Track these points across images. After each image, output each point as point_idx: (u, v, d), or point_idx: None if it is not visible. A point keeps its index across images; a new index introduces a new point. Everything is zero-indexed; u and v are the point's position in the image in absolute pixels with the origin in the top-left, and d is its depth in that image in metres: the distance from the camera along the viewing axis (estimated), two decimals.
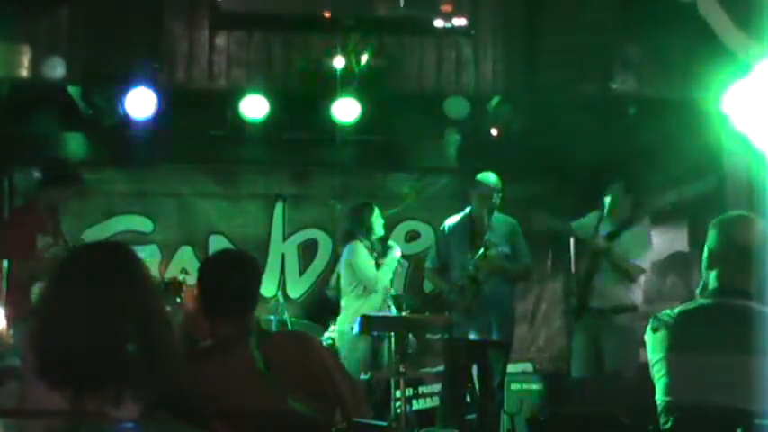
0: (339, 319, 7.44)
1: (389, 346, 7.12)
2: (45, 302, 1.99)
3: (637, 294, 7.18)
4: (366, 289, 7.29)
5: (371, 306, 7.21)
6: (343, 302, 7.42)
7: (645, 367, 3.67)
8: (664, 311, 3.65)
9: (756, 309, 3.30)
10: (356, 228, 7.36)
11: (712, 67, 6.69)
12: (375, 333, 7.13)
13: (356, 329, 6.87)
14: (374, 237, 7.39)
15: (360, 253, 7.30)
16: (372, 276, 7.25)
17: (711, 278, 3.53)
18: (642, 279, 7.28)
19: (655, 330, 3.55)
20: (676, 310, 3.58)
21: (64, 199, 6.60)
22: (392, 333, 7.18)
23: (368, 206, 7.46)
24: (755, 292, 3.37)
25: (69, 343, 1.91)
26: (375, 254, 7.37)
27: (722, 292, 3.44)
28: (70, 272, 2.05)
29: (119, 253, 2.09)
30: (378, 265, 7.32)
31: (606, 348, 7.02)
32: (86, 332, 1.92)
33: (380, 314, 7.10)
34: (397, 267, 7.57)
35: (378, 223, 7.41)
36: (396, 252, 7.47)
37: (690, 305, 3.69)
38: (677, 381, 3.41)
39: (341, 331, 7.30)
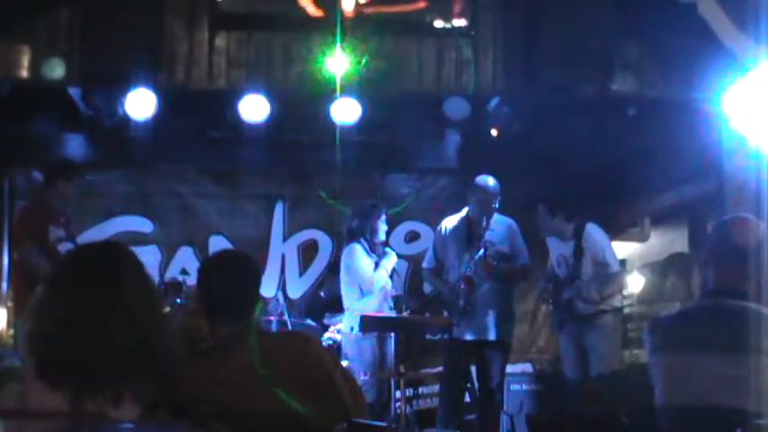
0: (343, 319, 7.45)
1: (395, 347, 7.15)
2: (43, 303, 1.99)
3: (617, 296, 7.24)
4: (362, 290, 7.28)
5: (369, 307, 7.19)
6: (345, 304, 7.42)
7: (644, 368, 3.67)
8: (661, 313, 3.67)
9: (753, 309, 3.31)
10: (362, 227, 7.35)
11: (712, 67, 6.70)
12: (378, 333, 7.14)
13: (356, 329, 6.88)
14: (377, 239, 7.37)
15: (357, 254, 7.30)
16: (369, 277, 7.25)
17: (709, 279, 3.54)
18: (629, 279, 7.37)
19: (652, 332, 3.55)
20: (673, 312, 3.59)
21: (70, 192, 6.74)
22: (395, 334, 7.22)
23: (376, 208, 7.47)
24: (753, 293, 3.38)
25: (67, 343, 1.91)
26: (375, 256, 7.35)
27: (719, 293, 3.45)
28: (67, 272, 2.05)
29: (116, 253, 2.09)
30: (376, 266, 7.31)
31: (590, 350, 7.06)
32: (84, 333, 1.92)
33: (380, 315, 7.10)
34: (393, 271, 7.53)
35: (382, 227, 7.40)
36: (392, 257, 7.45)
37: (686, 306, 3.71)
38: (675, 382, 3.41)
39: (345, 332, 7.30)
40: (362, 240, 7.33)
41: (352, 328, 7.09)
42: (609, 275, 7.12)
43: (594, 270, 7.12)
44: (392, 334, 7.23)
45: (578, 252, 7.11)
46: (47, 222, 6.58)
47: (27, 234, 6.58)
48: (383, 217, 7.42)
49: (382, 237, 7.42)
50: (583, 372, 7.06)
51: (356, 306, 7.25)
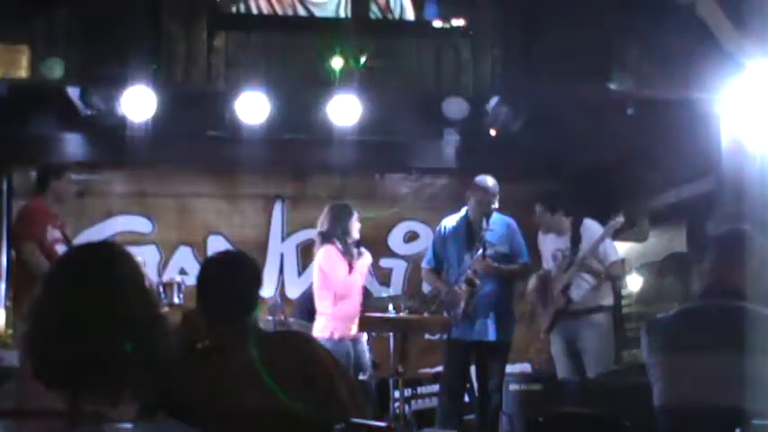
0: (315, 325, 7.24)
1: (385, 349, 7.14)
2: (40, 303, 1.99)
3: (608, 295, 7.25)
4: (337, 294, 7.17)
5: (345, 311, 7.09)
6: (319, 308, 7.24)
7: (643, 368, 3.68)
8: (659, 314, 3.68)
9: (750, 309, 3.31)
10: (333, 229, 7.26)
11: (710, 67, 6.71)
12: (350, 338, 7.07)
13: (353, 330, 6.87)
14: (349, 240, 7.25)
15: (332, 256, 7.17)
16: (343, 281, 7.13)
17: (706, 279, 3.56)
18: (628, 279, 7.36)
19: (650, 333, 3.56)
20: (671, 312, 3.61)
21: (63, 189, 6.74)
22: (371, 336, 7.18)
23: (346, 208, 7.33)
24: (750, 293, 3.39)
25: (64, 343, 1.91)
26: (348, 257, 7.23)
27: (716, 293, 3.46)
28: (64, 272, 2.05)
29: (113, 253, 2.09)
30: (351, 269, 7.24)
31: (585, 349, 7.06)
32: (81, 333, 1.92)
33: (378, 315, 7.07)
34: (370, 270, 7.45)
35: (354, 227, 7.31)
36: (367, 258, 7.34)
37: (684, 307, 3.72)
38: (674, 382, 3.42)
39: (322, 337, 7.15)
40: (336, 242, 7.26)
41: (331, 333, 6.98)
42: (611, 259, 7.18)
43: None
44: (364, 338, 7.22)
45: (575, 241, 7.11)
46: (45, 222, 6.58)
47: (27, 233, 6.59)
48: (355, 217, 7.33)
49: (356, 236, 7.30)
50: (576, 372, 7.04)
51: (330, 311, 7.13)
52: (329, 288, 7.17)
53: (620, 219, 7.03)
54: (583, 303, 7.09)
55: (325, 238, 7.24)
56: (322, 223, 7.32)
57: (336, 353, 6.93)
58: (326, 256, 7.19)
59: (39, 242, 6.45)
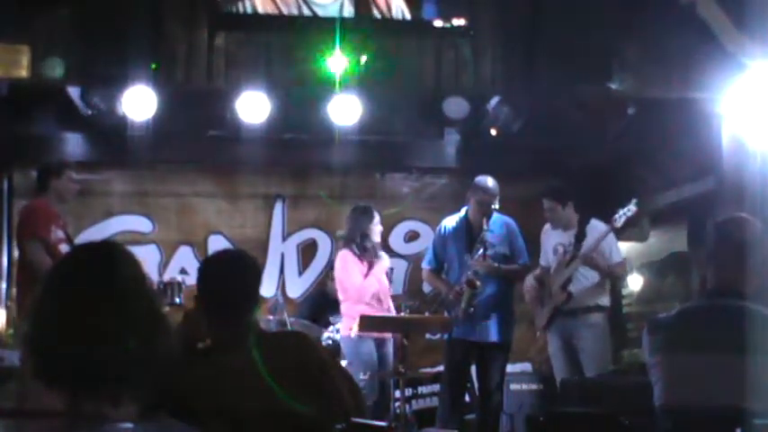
0: (340, 323, 7.44)
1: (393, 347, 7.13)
2: (40, 303, 1.99)
3: (606, 296, 7.23)
4: (353, 299, 7.23)
5: (361, 314, 7.13)
6: (342, 308, 7.37)
7: (644, 368, 3.68)
8: (660, 314, 3.68)
9: (751, 308, 3.31)
10: (352, 232, 7.31)
11: (711, 67, 6.71)
12: (376, 338, 7.12)
13: (355, 330, 6.88)
14: (369, 243, 7.30)
15: (346, 262, 7.25)
16: (358, 286, 7.18)
17: (708, 279, 3.55)
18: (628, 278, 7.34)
19: (651, 332, 3.56)
20: (673, 312, 3.61)
21: (63, 187, 6.72)
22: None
23: (367, 211, 7.39)
24: (750, 292, 3.39)
25: (65, 343, 1.91)
26: (367, 260, 7.29)
27: (717, 293, 3.46)
28: (65, 272, 2.05)
29: (113, 253, 2.09)
30: (368, 273, 7.25)
31: (582, 349, 7.05)
32: (82, 333, 1.92)
33: (379, 315, 7.09)
34: (391, 271, 7.51)
35: (375, 230, 7.35)
36: (384, 261, 7.39)
37: (686, 306, 3.72)
38: (675, 382, 3.42)
39: (343, 336, 7.27)
40: (353, 246, 7.27)
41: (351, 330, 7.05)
42: (615, 260, 7.16)
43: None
44: (391, 336, 7.23)
45: (579, 238, 7.07)
46: (49, 222, 6.58)
47: (30, 233, 6.57)
48: (376, 219, 7.35)
49: (376, 239, 7.36)
50: (573, 370, 7.04)
51: (350, 312, 7.18)
52: (346, 291, 7.30)
53: (633, 207, 6.89)
54: (580, 302, 7.07)
55: (345, 241, 7.36)
56: (345, 226, 7.45)
57: (357, 351, 7.04)
58: (341, 262, 7.32)
59: (43, 242, 6.44)
